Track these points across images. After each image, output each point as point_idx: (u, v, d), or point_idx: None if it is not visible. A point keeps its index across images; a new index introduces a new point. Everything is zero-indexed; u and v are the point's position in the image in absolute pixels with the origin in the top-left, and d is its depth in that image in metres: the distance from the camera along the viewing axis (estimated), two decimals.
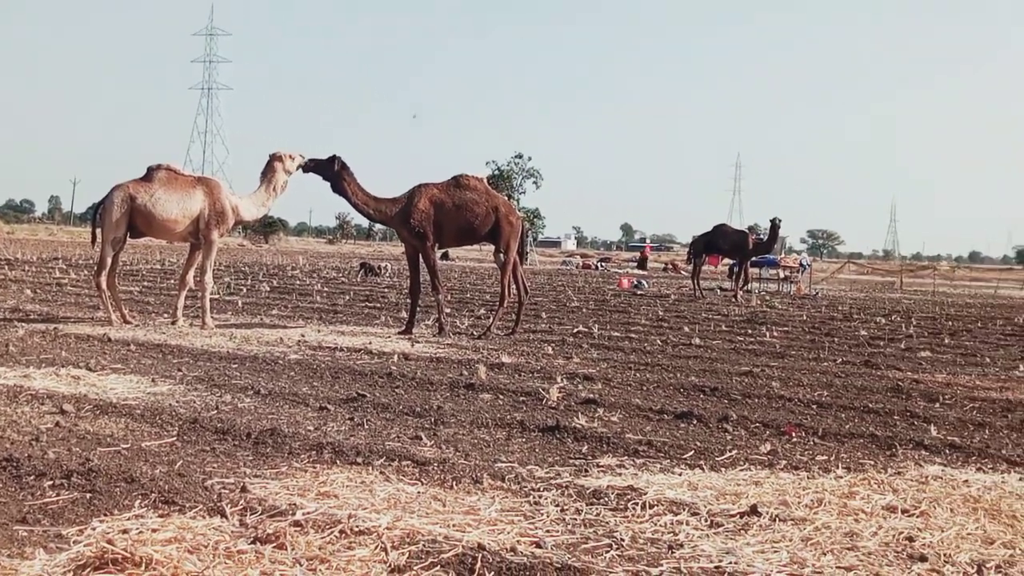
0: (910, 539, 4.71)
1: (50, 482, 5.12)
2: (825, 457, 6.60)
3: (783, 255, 34.32)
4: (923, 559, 4.42)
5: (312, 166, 13.31)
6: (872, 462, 6.50)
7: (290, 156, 13.48)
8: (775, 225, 25.78)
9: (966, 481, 5.99)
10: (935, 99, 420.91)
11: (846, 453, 6.80)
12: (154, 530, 4.29)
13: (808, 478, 5.94)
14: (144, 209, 12.79)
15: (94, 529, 4.33)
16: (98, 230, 13.04)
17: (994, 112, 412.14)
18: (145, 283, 21.90)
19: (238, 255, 46.84)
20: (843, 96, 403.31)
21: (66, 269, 25.79)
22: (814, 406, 8.67)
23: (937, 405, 9.00)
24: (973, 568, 4.34)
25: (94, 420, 6.85)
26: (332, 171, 13.19)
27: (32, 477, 5.20)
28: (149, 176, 13.06)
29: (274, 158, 13.52)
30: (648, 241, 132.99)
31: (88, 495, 4.91)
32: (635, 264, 57.02)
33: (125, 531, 4.28)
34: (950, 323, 19.98)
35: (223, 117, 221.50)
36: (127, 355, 10.11)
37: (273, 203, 13.87)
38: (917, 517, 5.13)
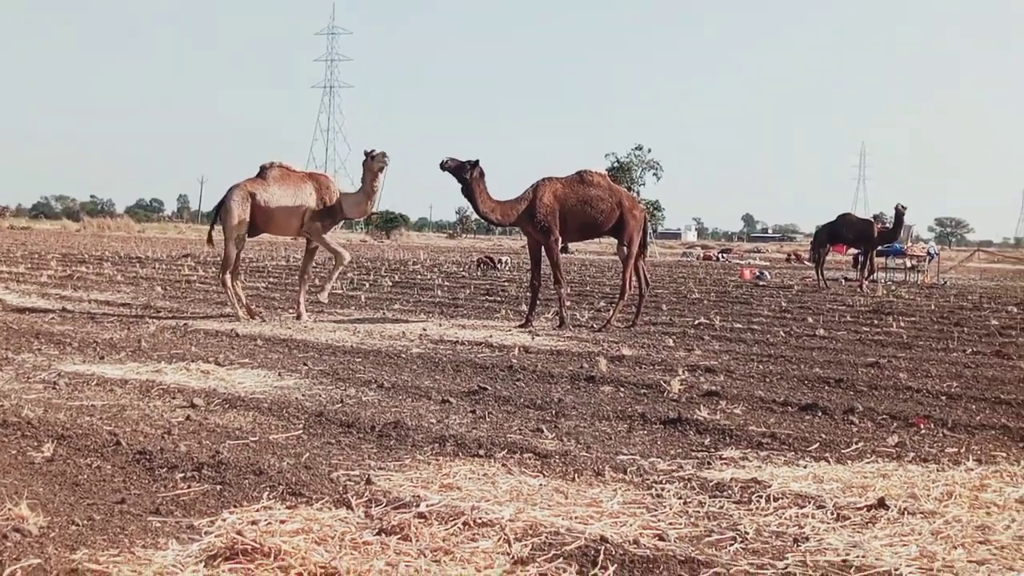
0: None
1: (182, 474, 5.25)
2: (955, 449, 6.44)
3: (910, 244, 33.50)
4: None
5: (451, 167, 13.22)
6: (1004, 454, 6.33)
7: (372, 156, 13.53)
8: (900, 212, 25.20)
9: None
10: None
11: (977, 445, 6.62)
12: (282, 521, 4.38)
13: (937, 471, 5.81)
14: (263, 206, 13.18)
15: (224, 520, 4.43)
16: (215, 229, 13.43)
17: None
18: (271, 279, 22.30)
19: (360, 251, 47.47)
20: (969, 81, 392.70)
21: (195, 266, 26.42)
22: (943, 397, 8.47)
23: None
24: None
25: (223, 413, 7.02)
26: (469, 176, 13.18)
27: (164, 469, 5.35)
28: (263, 174, 13.46)
29: (366, 157, 13.66)
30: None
31: (218, 487, 5.03)
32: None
33: (254, 522, 4.37)
34: None
35: (344, 114, 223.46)
36: (254, 350, 10.32)
37: (374, 202, 13.95)
38: None
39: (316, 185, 13.56)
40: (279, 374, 8.82)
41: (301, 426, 6.64)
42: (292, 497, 4.85)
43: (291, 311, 14.29)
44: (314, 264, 13.79)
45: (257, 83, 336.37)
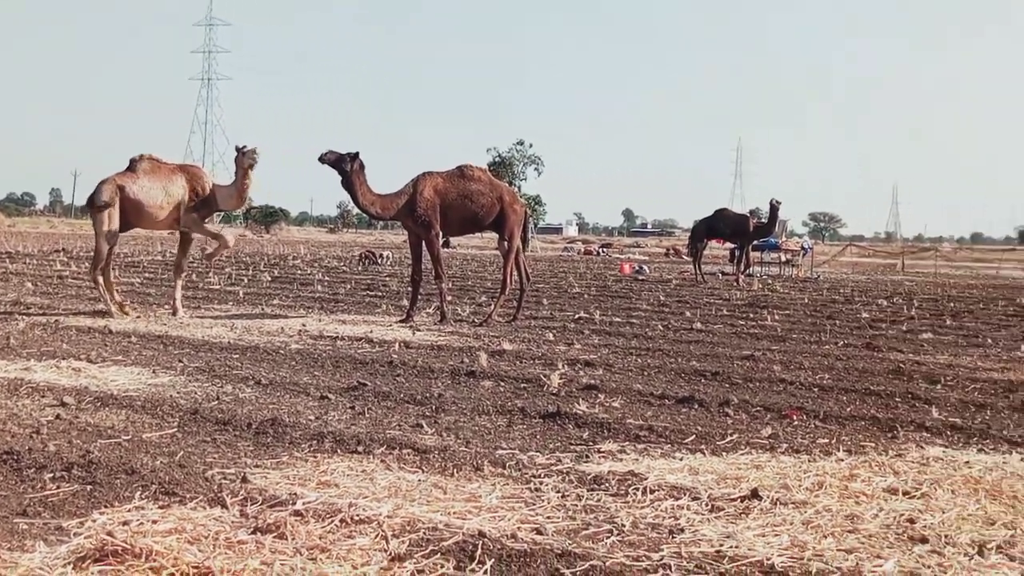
0: (911, 521, 4.71)
1: (50, 475, 5.13)
2: (826, 440, 6.59)
3: (784, 238, 34.28)
4: (924, 540, 4.42)
5: (331, 159, 13.08)
6: (873, 444, 6.50)
7: (244, 152, 13.45)
8: (774, 207, 25.74)
9: (967, 462, 6.00)
10: (935, 78, 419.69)
11: (847, 436, 6.79)
12: (154, 521, 4.30)
13: (809, 461, 5.94)
14: (133, 198, 12.99)
15: (94, 521, 4.34)
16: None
17: (995, 90, 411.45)
18: (146, 275, 21.89)
19: (240, 245, 46.79)
20: (842, 78, 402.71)
21: (67, 262, 25.77)
22: (815, 389, 8.67)
23: (939, 387, 8.99)
24: (974, 549, 4.33)
25: (95, 412, 6.86)
26: (349, 168, 13.06)
27: (32, 470, 5.21)
28: (132, 167, 13.29)
29: (238, 152, 13.58)
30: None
31: (88, 487, 4.92)
32: None
33: (125, 523, 4.29)
34: (952, 304, 19.96)
35: (223, 108, 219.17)
36: (128, 347, 10.11)
37: (246, 196, 13.83)
38: (918, 499, 5.13)
39: (187, 177, 13.45)
40: (153, 371, 8.65)
41: (175, 424, 6.52)
42: (165, 497, 4.77)
43: (167, 307, 14.05)
44: (190, 259, 13.55)
45: (133, 75, 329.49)
